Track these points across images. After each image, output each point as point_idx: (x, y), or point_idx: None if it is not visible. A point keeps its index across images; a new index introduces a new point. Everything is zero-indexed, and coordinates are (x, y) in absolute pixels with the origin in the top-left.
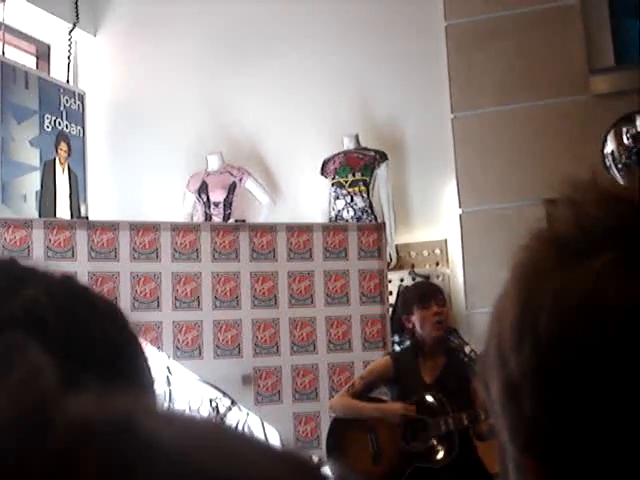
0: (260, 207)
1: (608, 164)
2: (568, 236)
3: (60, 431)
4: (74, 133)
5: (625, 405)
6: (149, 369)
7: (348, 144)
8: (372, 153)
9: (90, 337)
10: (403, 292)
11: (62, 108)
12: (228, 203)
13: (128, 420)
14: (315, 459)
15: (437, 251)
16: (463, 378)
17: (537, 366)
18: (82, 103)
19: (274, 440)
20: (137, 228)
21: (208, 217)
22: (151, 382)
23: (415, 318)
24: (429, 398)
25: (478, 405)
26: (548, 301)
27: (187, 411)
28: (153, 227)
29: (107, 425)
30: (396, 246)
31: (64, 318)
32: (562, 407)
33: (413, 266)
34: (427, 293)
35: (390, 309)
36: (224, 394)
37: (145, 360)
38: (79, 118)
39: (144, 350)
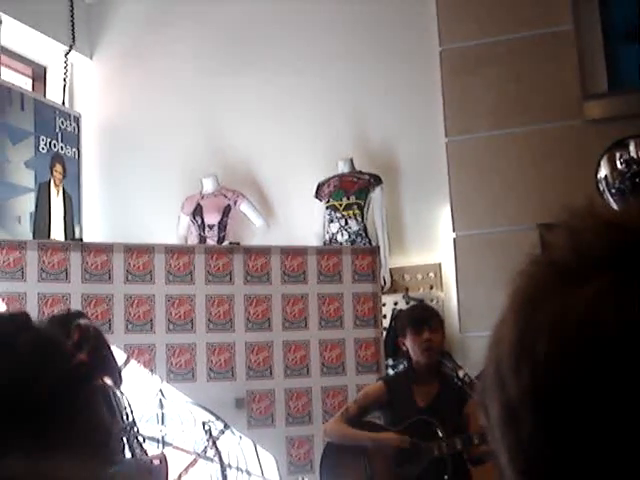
0: (254, 230)
1: (602, 189)
2: (565, 262)
3: None
4: (69, 155)
5: (623, 428)
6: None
7: (343, 168)
8: (367, 177)
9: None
10: (399, 314)
11: (57, 130)
12: (222, 226)
13: None
14: None
15: (431, 274)
16: (456, 403)
17: (535, 390)
18: (77, 125)
19: (267, 464)
20: (131, 250)
21: (202, 239)
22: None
23: (407, 342)
24: (422, 422)
25: (472, 430)
26: (546, 325)
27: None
28: (147, 249)
29: None
30: (390, 269)
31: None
32: (560, 430)
33: (407, 289)
34: (421, 318)
35: (384, 332)
36: (217, 417)
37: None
38: (74, 140)
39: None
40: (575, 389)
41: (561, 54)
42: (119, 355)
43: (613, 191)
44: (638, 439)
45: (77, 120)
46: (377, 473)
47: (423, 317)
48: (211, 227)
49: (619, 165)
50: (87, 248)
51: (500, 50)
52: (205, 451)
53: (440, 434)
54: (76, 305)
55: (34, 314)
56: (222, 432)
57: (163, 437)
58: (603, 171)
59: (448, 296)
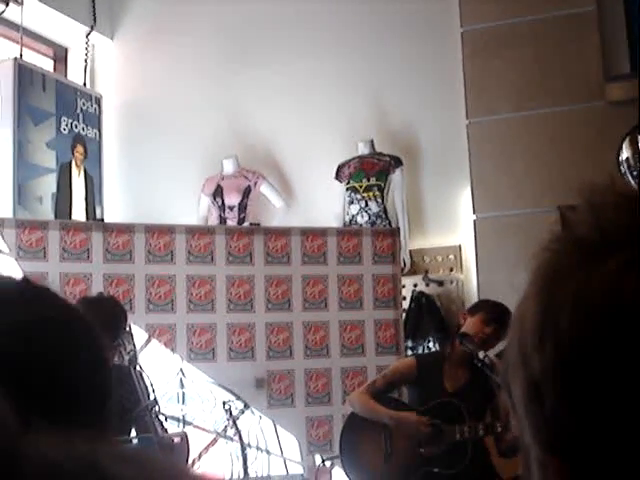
0: (274, 211)
1: (623, 171)
2: (588, 238)
3: (29, 475)
4: (90, 136)
5: None
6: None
7: (363, 149)
8: (387, 158)
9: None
10: (485, 301)
11: (79, 111)
12: (243, 207)
13: (94, 464)
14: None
15: (451, 257)
16: (485, 393)
17: (558, 365)
18: (99, 106)
19: (287, 443)
20: (152, 231)
21: (223, 220)
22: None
23: (473, 320)
24: (448, 404)
25: (500, 419)
26: (569, 301)
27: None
28: (168, 230)
29: (75, 468)
30: (410, 251)
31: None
32: (583, 405)
33: (427, 271)
34: (504, 318)
35: (403, 314)
36: (237, 397)
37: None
38: (95, 121)
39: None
40: (599, 362)
41: (583, 35)
42: (140, 335)
43: (635, 173)
44: None
45: (98, 101)
46: (396, 450)
47: (507, 319)
48: (231, 208)
49: None
50: (108, 228)
51: (522, 31)
52: (225, 430)
53: (464, 419)
54: (97, 285)
55: None
56: (242, 412)
57: (184, 416)
58: (625, 153)
59: (468, 278)
